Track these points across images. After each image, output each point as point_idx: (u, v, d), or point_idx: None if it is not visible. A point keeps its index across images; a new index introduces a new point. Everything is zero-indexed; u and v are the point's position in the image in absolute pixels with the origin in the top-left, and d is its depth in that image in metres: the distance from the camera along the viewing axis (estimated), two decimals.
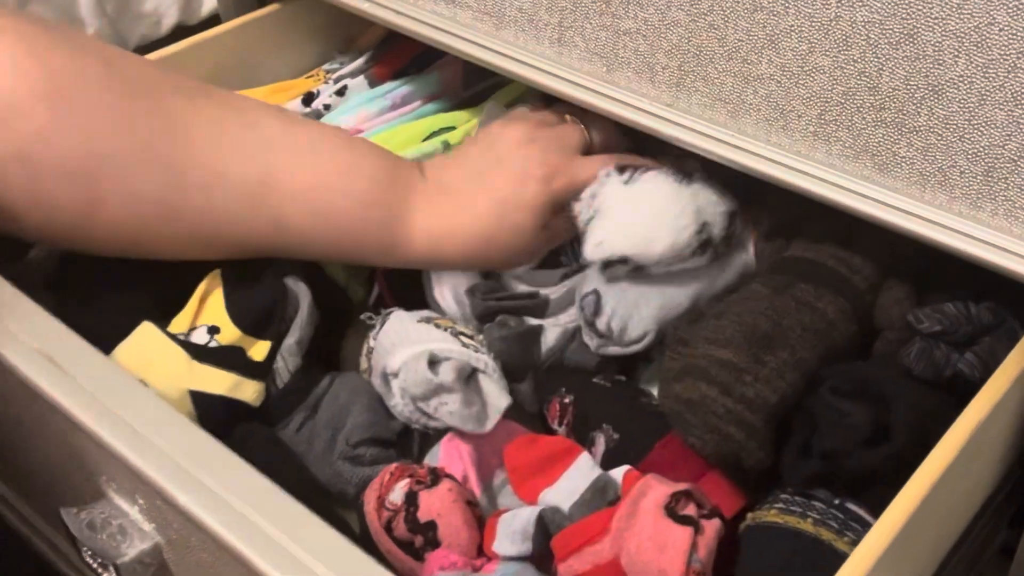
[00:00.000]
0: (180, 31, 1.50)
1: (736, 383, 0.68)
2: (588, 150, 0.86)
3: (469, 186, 0.82)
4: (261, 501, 0.57)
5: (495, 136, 0.85)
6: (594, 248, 0.79)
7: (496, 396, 0.75)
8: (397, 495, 0.70)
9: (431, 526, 0.69)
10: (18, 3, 1.39)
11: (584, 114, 0.86)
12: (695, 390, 0.68)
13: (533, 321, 0.82)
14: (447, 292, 0.84)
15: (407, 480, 0.71)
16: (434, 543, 0.69)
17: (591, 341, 0.80)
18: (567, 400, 0.78)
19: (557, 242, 0.85)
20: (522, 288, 0.84)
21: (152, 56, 1.01)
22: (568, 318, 0.83)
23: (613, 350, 0.80)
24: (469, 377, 0.75)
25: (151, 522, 0.65)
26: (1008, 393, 0.66)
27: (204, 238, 0.77)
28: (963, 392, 0.67)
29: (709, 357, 0.70)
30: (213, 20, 1.35)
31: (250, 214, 0.76)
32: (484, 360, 0.75)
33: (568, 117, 0.87)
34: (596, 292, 0.79)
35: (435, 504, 0.69)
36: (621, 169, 0.81)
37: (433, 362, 0.74)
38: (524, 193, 0.81)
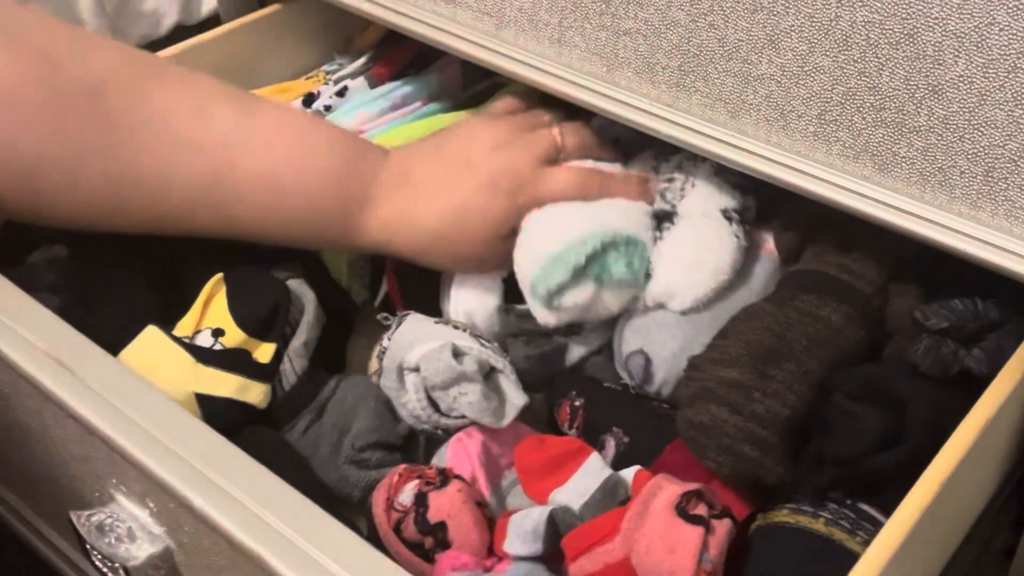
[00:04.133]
0: (180, 31, 1.50)
1: (745, 401, 0.68)
2: (561, 154, 0.84)
3: (433, 183, 0.81)
4: (276, 502, 0.57)
5: (469, 134, 0.84)
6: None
7: (514, 394, 0.75)
8: (406, 496, 0.70)
9: (441, 527, 0.69)
10: (16, 2, 1.38)
11: (562, 113, 0.86)
12: (706, 413, 0.68)
13: (559, 338, 0.81)
14: (461, 310, 0.84)
15: (416, 481, 0.70)
16: (444, 544, 0.69)
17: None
18: (577, 403, 0.78)
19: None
20: None
21: None
22: (597, 338, 0.82)
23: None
24: (487, 376, 0.75)
25: (162, 525, 0.65)
26: (1015, 390, 0.66)
27: (158, 227, 0.79)
28: (969, 388, 0.67)
29: (717, 378, 0.69)
30: (213, 20, 1.35)
31: (202, 207, 0.78)
32: (503, 362, 0.76)
33: (547, 117, 0.87)
34: (644, 355, 0.77)
35: (445, 505, 0.69)
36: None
37: (456, 354, 0.74)
38: (487, 204, 0.80)
